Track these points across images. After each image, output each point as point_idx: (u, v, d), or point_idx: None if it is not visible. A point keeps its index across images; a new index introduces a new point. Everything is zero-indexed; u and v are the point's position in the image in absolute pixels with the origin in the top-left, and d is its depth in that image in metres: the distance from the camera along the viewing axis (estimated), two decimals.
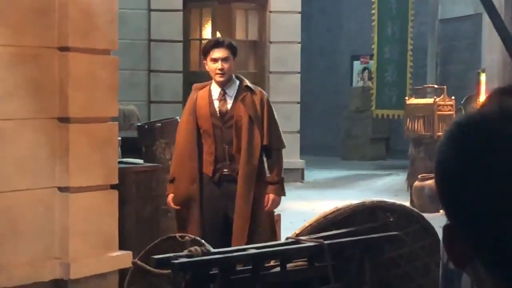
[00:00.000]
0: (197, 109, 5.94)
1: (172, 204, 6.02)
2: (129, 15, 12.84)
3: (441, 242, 1.57)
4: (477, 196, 0.98)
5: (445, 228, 1.04)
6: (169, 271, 4.26)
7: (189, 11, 14.04)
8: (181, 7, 13.82)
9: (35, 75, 5.64)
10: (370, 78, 18.08)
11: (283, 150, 6.38)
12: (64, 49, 5.73)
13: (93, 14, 5.87)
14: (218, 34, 14.28)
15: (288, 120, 14.15)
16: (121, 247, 6.07)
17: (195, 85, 6.14)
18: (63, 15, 5.71)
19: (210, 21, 14.18)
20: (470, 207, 0.99)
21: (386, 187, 13.60)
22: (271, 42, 14.20)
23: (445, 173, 1.03)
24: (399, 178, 14.29)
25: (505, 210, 0.96)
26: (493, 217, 0.97)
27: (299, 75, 14.41)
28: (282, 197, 6.18)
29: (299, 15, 14.37)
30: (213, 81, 6.04)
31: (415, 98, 12.58)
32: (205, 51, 5.98)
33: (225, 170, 5.90)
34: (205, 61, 6.04)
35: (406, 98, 12.93)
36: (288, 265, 4.41)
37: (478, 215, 0.98)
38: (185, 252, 4.11)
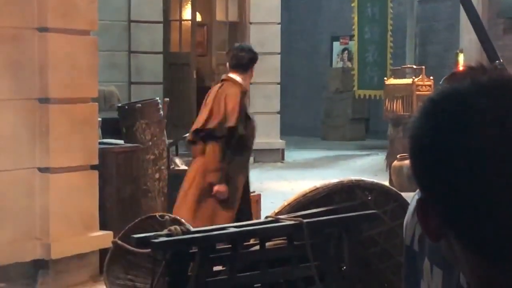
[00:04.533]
0: None
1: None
2: None
3: (404, 225, 1.57)
4: (449, 169, 0.99)
5: (419, 202, 1.05)
6: (149, 250, 4.29)
7: None
8: None
9: (15, 56, 5.63)
10: (350, 59, 18.10)
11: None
12: (43, 29, 5.73)
13: None
14: (199, 15, 14.25)
15: (268, 101, 14.17)
16: (102, 227, 6.10)
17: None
18: None
19: (190, 2, 14.14)
20: (443, 180, 0.99)
21: (366, 167, 13.66)
22: (251, 23, 14.19)
23: (419, 147, 1.03)
24: (378, 158, 14.37)
25: (476, 183, 0.97)
26: (465, 191, 0.97)
27: (279, 56, 14.41)
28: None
29: None
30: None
31: (394, 78, 12.63)
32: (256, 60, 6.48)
33: None
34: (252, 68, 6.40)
35: (385, 78, 12.98)
36: (267, 244, 4.45)
37: (450, 188, 0.99)
38: (165, 231, 4.14)
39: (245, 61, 6.32)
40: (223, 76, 6.46)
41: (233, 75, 6.30)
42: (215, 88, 6.31)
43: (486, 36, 3.85)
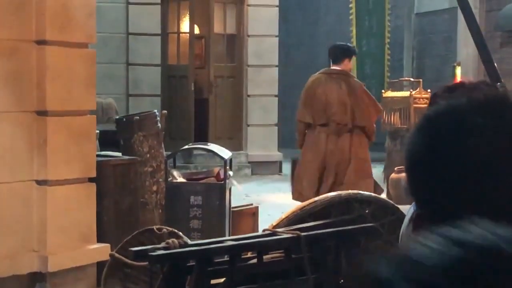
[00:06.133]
0: None
1: None
2: (107, 8, 12.81)
3: (400, 235, 1.57)
4: (444, 185, 0.99)
5: (415, 216, 1.06)
6: (147, 263, 4.29)
7: (167, 4, 14.03)
8: (159, 0, 13.80)
9: (13, 68, 5.63)
10: None
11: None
12: (41, 42, 5.73)
13: (70, 7, 5.87)
14: (196, 28, 14.27)
15: (266, 113, 14.18)
16: (100, 240, 6.09)
17: None
18: (40, 8, 5.71)
19: (188, 15, 14.17)
20: (438, 196, 1.00)
21: None
22: (249, 36, 14.22)
23: (414, 163, 1.05)
24: (376, 171, 14.32)
25: (473, 198, 0.97)
26: (459, 206, 0.98)
27: (276, 68, 14.44)
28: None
29: (277, 8, 14.39)
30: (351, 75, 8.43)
31: (392, 91, 12.65)
32: (354, 53, 8.67)
33: None
34: (348, 60, 8.31)
35: (383, 91, 13.00)
36: (265, 257, 4.44)
37: (445, 204, 1.00)
38: (163, 244, 4.14)
39: (338, 54, 8.29)
40: (328, 70, 8.36)
41: (335, 67, 8.29)
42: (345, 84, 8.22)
43: (489, 57, 3.85)
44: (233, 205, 7.25)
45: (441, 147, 1.01)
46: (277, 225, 4.64)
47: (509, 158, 0.97)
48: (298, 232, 4.40)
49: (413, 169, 1.05)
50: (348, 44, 8.96)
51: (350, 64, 8.54)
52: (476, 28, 3.76)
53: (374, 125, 8.59)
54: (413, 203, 1.40)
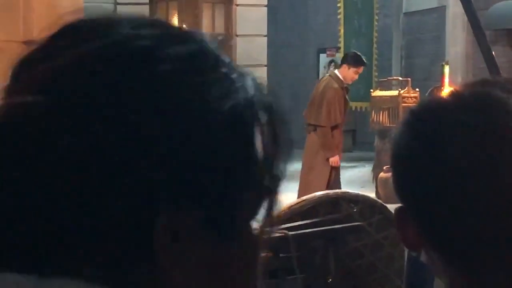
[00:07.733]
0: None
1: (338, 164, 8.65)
2: (95, 9, 12.77)
3: None
4: (425, 181, 1.00)
5: (398, 211, 1.06)
6: None
7: (155, 4, 14.02)
8: (147, 0, 13.79)
9: (0, 69, 5.62)
10: None
11: None
12: (29, 43, 5.72)
13: (58, 8, 5.86)
14: (185, 28, 14.26)
15: None
16: None
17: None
18: (28, 9, 5.70)
19: (176, 15, 14.17)
20: (419, 191, 1.01)
21: (353, 179, 13.67)
22: (237, 36, 14.22)
23: (398, 157, 1.06)
24: (365, 170, 14.37)
25: (452, 196, 0.98)
26: (440, 203, 0.99)
27: (265, 68, 14.43)
28: None
29: (266, 8, 14.40)
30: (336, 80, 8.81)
31: (380, 90, 12.67)
32: (360, 64, 8.91)
33: None
34: (350, 68, 8.74)
35: (371, 90, 13.02)
36: None
37: (425, 199, 1.00)
38: None
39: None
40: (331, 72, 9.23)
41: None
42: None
43: (489, 49, 3.86)
44: None
45: (423, 143, 1.02)
46: None
47: (492, 158, 0.98)
48: (286, 231, 4.41)
49: (396, 164, 1.06)
50: (357, 52, 9.48)
51: (351, 72, 8.83)
52: (475, 20, 3.79)
53: (327, 136, 8.79)
54: None
